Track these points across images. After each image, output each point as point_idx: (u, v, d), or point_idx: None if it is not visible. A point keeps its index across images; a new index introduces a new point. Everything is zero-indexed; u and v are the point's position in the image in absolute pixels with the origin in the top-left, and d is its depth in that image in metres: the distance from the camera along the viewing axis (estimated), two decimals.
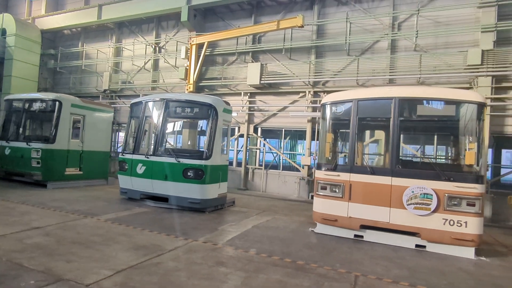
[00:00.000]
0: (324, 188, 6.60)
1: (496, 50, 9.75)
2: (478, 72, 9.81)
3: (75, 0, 18.07)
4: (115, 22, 16.26)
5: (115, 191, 10.63)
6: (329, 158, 7.01)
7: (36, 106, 10.66)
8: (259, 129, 13.10)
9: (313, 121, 12.03)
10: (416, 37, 10.59)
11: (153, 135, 8.56)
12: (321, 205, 6.64)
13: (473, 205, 5.54)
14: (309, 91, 12.05)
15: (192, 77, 13.33)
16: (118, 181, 9.07)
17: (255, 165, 12.97)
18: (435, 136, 9.28)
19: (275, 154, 13.40)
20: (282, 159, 12.98)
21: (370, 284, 4.17)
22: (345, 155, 7.04)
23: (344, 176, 6.37)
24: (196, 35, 13.58)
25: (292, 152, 13.45)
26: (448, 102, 5.93)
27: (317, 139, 12.14)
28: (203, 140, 12.77)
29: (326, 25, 12.20)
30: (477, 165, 5.74)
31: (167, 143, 8.58)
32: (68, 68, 17.76)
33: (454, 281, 4.48)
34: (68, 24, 16.85)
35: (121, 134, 16.37)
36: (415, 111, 6.13)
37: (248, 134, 13.11)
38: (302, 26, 11.18)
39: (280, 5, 12.99)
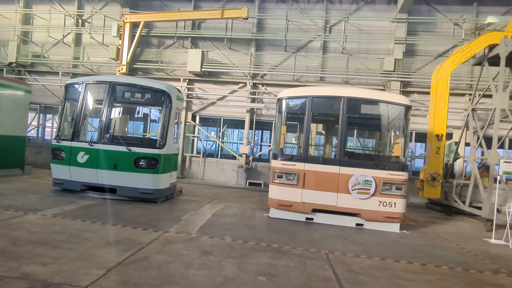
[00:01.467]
0: (280, 177, 7.20)
1: (405, 59, 11.76)
2: (391, 77, 11.70)
3: None
4: None
5: (43, 182, 9.43)
6: (284, 149, 7.65)
7: None
8: (197, 117, 13.04)
9: (251, 111, 12.56)
10: (345, 41, 11.99)
11: (98, 121, 7.86)
12: (277, 192, 7.24)
13: (400, 189, 6.88)
14: (249, 82, 12.50)
15: (126, 57, 12.35)
16: (51, 170, 8.10)
17: (193, 153, 12.93)
18: (374, 132, 10.81)
19: (212, 142, 13.54)
20: (221, 148, 13.23)
21: (340, 259, 4.94)
22: (299, 146, 7.76)
23: (299, 166, 7.07)
24: (130, 12, 12.56)
25: (230, 141, 13.78)
26: (385, 103, 7.11)
27: (254, 129, 12.78)
28: (155, 128, 12.18)
29: (266, 20, 12.73)
30: (403, 156, 7.10)
31: (114, 130, 7.96)
32: None
33: (395, 251, 5.60)
34: None
35: (30, 116, 14.15)
36: (360, 109, 7.17)
37: (186, 122, 12.91)
38: (246, 18, 11.47)
39: None
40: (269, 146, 13.25)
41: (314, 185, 7.01)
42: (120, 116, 9.27)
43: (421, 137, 11.71)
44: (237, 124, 13.51)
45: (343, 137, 7.08)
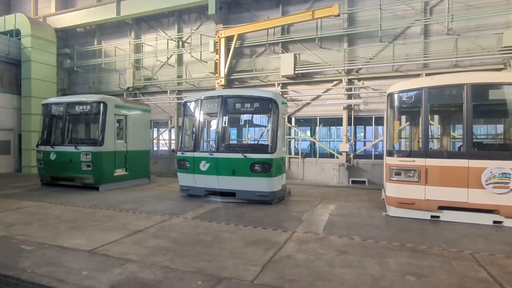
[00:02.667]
0: (398, 174, 6.93)
1: None
2: None
3: None
4: (134, 18, 16.00)
5: (168, 189, 10.82)
6: (398, 145, 7.35)
7: (80, 109, 10.63)
8: (293, 119, 13.33)
9: (348, 108, 12.32)
10: (450, 21, 10.89)
11: (214, 132, 8.70)
12: (396, 189, 6.98)
13: None
14: (344, 79, 12.29)
15: (223, 70, 13.37)
16: (178, 178, 9.24)
17: (291, 154, 13.26)
18: (507, 119, 9.71)
19: (308, 142, 13.69)
20: (319, 147, 13.30)
21: (490, 260, 4.56)
22: (418, 141, 7.37)
23: (419, 161, 6.71)
24: (224, 27, 13.54)
25: (327, 140, 13.77)
26: None
27: (352, 126, 12.48)
28: (265, 134, 13.01)
29: (357, 13, 12.35)
30: None
31: (230, 139, 8.71)
32: (85, 67, 17.49)
33: None
34: (84, 22, 16.49)
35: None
36: (487, 95, 6.47)
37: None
38: (338, 15, 11.32)
39: None
40: (371, 142, 12.82)
41: (439, 181, 6.56)
42: (233, 125, 10.08)
43: None
44: (333, 122, 13.39)
45: (469, 128, 6.47)
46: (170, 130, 16.23)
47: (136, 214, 7.16)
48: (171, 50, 15.60)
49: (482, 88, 6.45)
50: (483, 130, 12.66)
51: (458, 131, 10.50)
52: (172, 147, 16.04)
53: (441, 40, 11.17)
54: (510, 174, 6.08)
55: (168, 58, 15.74)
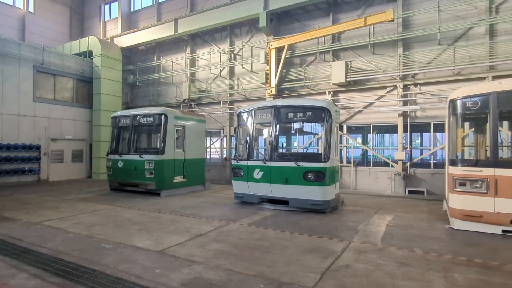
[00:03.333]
0: (463, 184, 6.55)
1: None
2: None
3: (148, 17, 19.29)
4: (189, 34, 17.10)
5: (223, 196, 11.30)
6: (462, 153, 6.96)
7: (144, 120, 11.59)
8: (344, 127, 13.16)
9: (404, 114, 11.87)
10: None
11: (268, 141, 8.97)
12: (461, 201, 6.59)
13: None
14: (399, 85, 11.89)
15: (274, 80, 13.69)
16: (233, 186, 9.63)
17: (343, 162, 13.06)
18: None
19: (361, 151, 13.39)
20: (372, 155, 12.96)
21: None
22: (486, 150, 6.93)
23: (487, 171, 6.29)
24: (274, 39, 13.91)
25: (381, 148, 13.37)
26: None
27: (409, 133, 11.96)
28: (318, 143, 13.16)
29: (411, 16, 11.94)
30: None
31: (283, 148, 8.91)
32: (146, 81, 19.01)
33: None
34: (146, 40, 18.02)
35: None
36: None
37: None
38: (392, 20, 11.05)
39: (359, 0, 12.90)
40: (429, 150, 12.17)
41: (511, 192, 6.09)
42: (285, 134, 10.29)
43: None
44: (387, 129, 12.97)
45: None
46: (222, 139, 16.91)
47: (196, 219, 7.62)
48: (223, 63, 16.35)
49: None
50: None
51: None
52: (224, 155, 16.68)
53: (510, 40, 10.34)
54: None
55: (220, 71, 16.50)
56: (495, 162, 6.29)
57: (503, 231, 6.26)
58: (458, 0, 11.10)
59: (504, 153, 9.03)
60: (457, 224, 6.74)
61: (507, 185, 6.12)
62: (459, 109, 6.80)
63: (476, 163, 6.48)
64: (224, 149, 16.97)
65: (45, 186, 13.78)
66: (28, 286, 4.08)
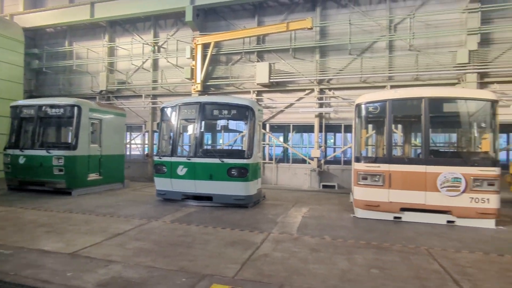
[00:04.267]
0: (365, 178, 7.52)
1: (480, 50, 11.28)
2: (466, 69, 11.30)
3: None
4: (108, 21, 15.83)
5: (144, 194, 10.84)
6: (365, 151, 7.97)
7: (52, 112, 10.41)
8: (267, 125, 13.78)
9: (320, 115, 12.98)
10: (412, 38, 11.87)
11: (192, 137, 8.91)
12: (363, 193, 7.56)
13: (493, 184, 6.78)
14: (316, 88, 12.95)
15: (200, 76, 13.60)
16: (155, 183, 9.34)
17: (266, 159, 13.68)
18: (459, 129, 10.65)
19: (282, 148, 14.20)
20: (292, 153, 13.83)
21: (442, 254, 5.17)
22: (382, 148, 8.02)
23: (384, 167, 7.33)
24: (201, 34, 13.80)
25: (299, 146, 14.37)
26: (470, 100, 7.09)
27: (324, 133, 13.14)
28: (240, 140, 13.28)
29: (328, 26, 13.09)
30: (493, 152, 7.01)
31: (207, 145, 8.96)
32: (55, 68, 16.99)
33: (497, 246, 5.63)
34: (56, 22, 16.09)
35: None
36: (442, 108, 7.24)
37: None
38: (311, 28, 11.97)
39: (282, 6, 13.62)
40: (340, 148, 13.53)
41: (401, 184, 7.21)
42: (210, 131, 10.32)
43: (504, 128, 11.09)
44: (306, 128, 14.00)
45: (426, 137, 7.19)
46: (144, 135, 16.14)
47: (114, 218, 7.21)
48: (146, 55, 15.59)
49: (438, 102, 7.21)
50: (441, 139, 13.77)
51: (418, 139, 11.43)
52: (146, 152, 15.96)
53: (404, 55, 12.13)
54: (461, 178, 6.83)
55: (143, 63, 15.70)
56: (390, 159, 7.38)
57: (395, 217, 7.38)
58: (365, 16, 12.57)
59: (397, 152, 10.62)
60: (360, 213, 7.71)
61: (398, 178, 7.22)
62: (363, 112, 7.77)
63: (376, 160, 7.50)
64: (146, 145, 16.23)
65: None
66: None
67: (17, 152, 10.37)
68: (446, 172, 6.92)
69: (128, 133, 16.67)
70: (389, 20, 12.34)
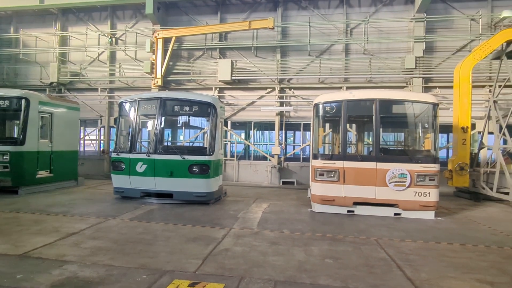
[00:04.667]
0: (321, 175, 7.92)
1: (425, 56, 12.30)
2: (412, 74, 12.25)
3: None
4: (60, 8, 14.85)
5: (100, 191, 10.42)
6: (322, 149, 8.38)
7: None
8: (229, 122, 13.86)
9: (280, 114, 13.32)
10: (366, 42, 12.61)
11: (152, 133, 8.74)
12: (320, 188, 7.96)
13: (433, 179, 7.49)
14: (277, 87, 13.26)
15: (160, 71, 13.29)
16: (112, 180, 9.03)
17: (227, 156, 13.76)
18: (405, 129, 11.46)
19: (243, 146, 14.38)
20: (253, 150, 14.04)
21: (389, 243, 5.65)
22: (338, 146, 8.47)
23: (339, 164, 7.77)
24: (162, 28, 13.48)
25: (261, 143, 14.63)
26: (415, 102, 7.75)
27: (284, 131, 13.52)
28: (201, 137, 13.10)
29: (289, 27, 13.45)
30: (434, 150, 7.74)
31: (168, 141, 8.84)
32: None
33: (435, 235, 6.27)
34: (1, 7, 14.73)
35: None
36: (391, 110, 7.84)
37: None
38: (272, 28, 12.22)
39: (245, 4, 13.72)
40: (299, 146, 14.00)
41: (354, 180, 7.70)
42: (170, 127, 10.15)
43: (444, 128, 12.22)
44: (267, 126, 14.28)
45: (377, 136, 7.74)
46: (100, 130, 15.43)
47: (68, 217, 6.90)
48: (102, 46, 14.89)
49: (388, 103, 7.79)
50: (391, 137, 14.77)
51: (370, 138, 12.23)
52: (101, 148, 15.28)
53: (359, 58, 12.85)
54: (407, 174, 7.46)
55: (99, 54, 14.98)
56: (344, 156, 7.84)
57: (348, 211, 7.87)
58: (324, 20, 13.11)
59: (352, 150, 11.27)
60: (317, 207, 8.11)
61: (351, 174, 7.70)
62: (321, 112, 8.16)
63: (331, 157, 7.93)
64: (102, 141, 15.53)
65: None
66: None
67: None
68: (394, 168, 7.51)
69: (82, 128, 15.84)
70: (345, 24, 12.98)
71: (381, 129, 7.98)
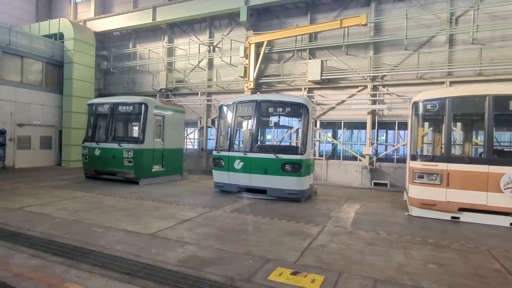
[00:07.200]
0: (421, 177, 7.46)
1: None
2: None
3: (123, 1, 18.82)
4: (168, 23, 17.01)
5: (201, 185, 11.68)
6: (421, 150, 7.88)
7: (123, 109, 11.61)
8: (318, 122, 13.94)
9: (373, 112, 12.84)
10: (475, 31, 11.25)
11: (248, 133, 9.45)
12: (419, 191, 7.51)
13: None
14: (369, 85, 12.83)
15: (252, 74, 14.14)
16: (213, 175, 10.05)
17: (316, 155, 13.87)
18: None
19: (332, 145, 14.30)
20: (342, 149, 13.88)
21: (505, 255, 5.10)
22: (440, 147, 7.89)
23: (441, 166, 7.22)
24: (254, 34, 14.31)
25: (350, 143, 14.36)
26: None
27: (376, 130, 12.99)
28: (291, 136, 13.74)
29: (383, 21, 12.85)
30: None
31: (263, 141, 9.45)
32: (120, 68, 18.67)
33: None
34: (122, 26, 17.66)
35: None
36: (509, 107, 6.93)
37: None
38: (365, 24, 11.87)
39: (335, 2, 13.61)
40: (393, 146, 13.29)
41: (460, 184, 7.06)
42: (264, 127, 10.81)
43: None
44: (357, 125, 13.92)
45: (490, 136, 6.96)
46: (199, 130, 17.15)
47: (180, 206, 8.00)
48: (202, 54, 16.50)
49: (504, 99, 6.91)
50: (505, 138, 12.90)
51: (479, 138, 10.88)
52: (201, 146, 16.96)
53: (466, 49, 11.54)
54: None
55: (199, 62, 16.65)
56: (448, 158, 7.25)
57: (452, 217, 7.26)
58: (424, 10, 12.14)
59: (456, 150, 10.22)
60: (415, 211, 7.68)
61: (456, 177, 7.09)
62: (420, 110, 7.69)
63: (433, 159, 7.40)
64: (197, 140, 17.24)
65: (12, 173, 13.37)
66: (30, 264, 4.32)
67: (93, 145, 11.73)
68: (510, 172, 6.66)
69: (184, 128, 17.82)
70: (449, 13, 11.78)
71: (494, 129, 7.10)
